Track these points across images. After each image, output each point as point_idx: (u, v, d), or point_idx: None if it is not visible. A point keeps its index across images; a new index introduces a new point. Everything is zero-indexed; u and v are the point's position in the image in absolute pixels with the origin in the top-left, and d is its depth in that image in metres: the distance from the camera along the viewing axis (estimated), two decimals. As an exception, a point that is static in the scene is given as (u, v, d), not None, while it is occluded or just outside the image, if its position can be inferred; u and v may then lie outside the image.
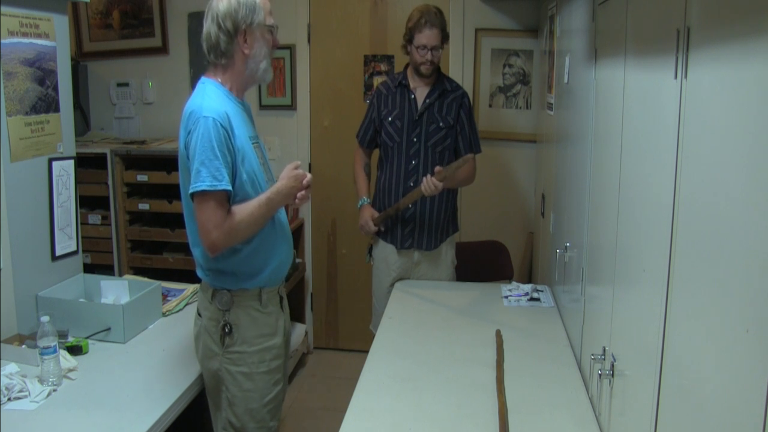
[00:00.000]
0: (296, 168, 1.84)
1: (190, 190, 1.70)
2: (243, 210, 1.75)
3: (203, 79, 1.84)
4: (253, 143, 1.86)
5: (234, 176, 1.76)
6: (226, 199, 1.73)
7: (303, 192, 1.86)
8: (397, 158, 2.75)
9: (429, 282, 2.82)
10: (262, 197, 1.78)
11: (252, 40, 1.79)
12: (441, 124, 2.73)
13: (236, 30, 1.76)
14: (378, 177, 2.87)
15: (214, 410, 1.96)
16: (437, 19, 2.65)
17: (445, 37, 2.70)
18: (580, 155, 2.06)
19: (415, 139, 2.73)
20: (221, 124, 1.70)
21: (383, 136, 2.78)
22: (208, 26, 1.78)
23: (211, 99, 1.75)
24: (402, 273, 2.81)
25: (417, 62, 2.69)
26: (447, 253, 2.86)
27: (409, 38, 2.70)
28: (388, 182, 2.78)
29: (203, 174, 1.68)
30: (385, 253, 2.82)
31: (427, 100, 2.73)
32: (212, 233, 1.71)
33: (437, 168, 2.51)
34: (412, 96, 2.75)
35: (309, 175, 1.87)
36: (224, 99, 1.79)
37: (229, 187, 1.71)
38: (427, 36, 2.64)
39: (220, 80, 1.83)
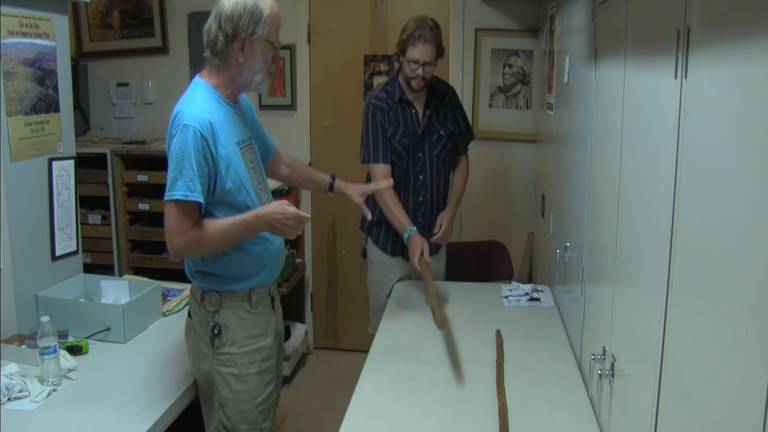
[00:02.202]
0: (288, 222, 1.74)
1: (165, 198, 1.69)
2: (214, 225, 1.72)
3: (196, 79, 1.82)
4: (242, 147, 1.83)
5: (215, 185, 1.74)
6: (196, 210, 1.71)
7: (290, 223, 1.74)
8: (405, 176, 2.66)
9: (429, 282, 2.82)
10: (238, 218, 1.74)
11: (249, 51, 1.75)
12: (442, 132, 2.69)
13: (234, 36, 1.73)
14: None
15: (207, 412, 1.95)
16: (432, 34, 2.51)
17: (440, 53, 2.57)
18: (580, 155, 2.06)
19: (420, 154, 2.66)
20: (201, 134, 1.68)
21: (391, 155, 2.64)
22: (211, 21, 1.75)
23: (196, 105, 1.72)
24: (403, 275, 2.81)
25: (408, 76, 2.57)
26: (443, 248, 2.89)
27: (402, 49, 2.57)
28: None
29: (179, 183, 1.67)
30: (382, 259, 2.76)
31: (428, 112, 2.65)
32: (174, 240, 1.70)
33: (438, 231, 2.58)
34: (414, 111, 2.64)
35: (303, 214, 1.76)
36: (212, 104, 1.76)
37: (200, 199, 1.69)
38: (420, 51, 2.51)
39: (213, 83, 1.80)
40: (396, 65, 3.62)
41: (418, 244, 2.46)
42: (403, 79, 2.62)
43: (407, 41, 2.53)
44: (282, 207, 1.74)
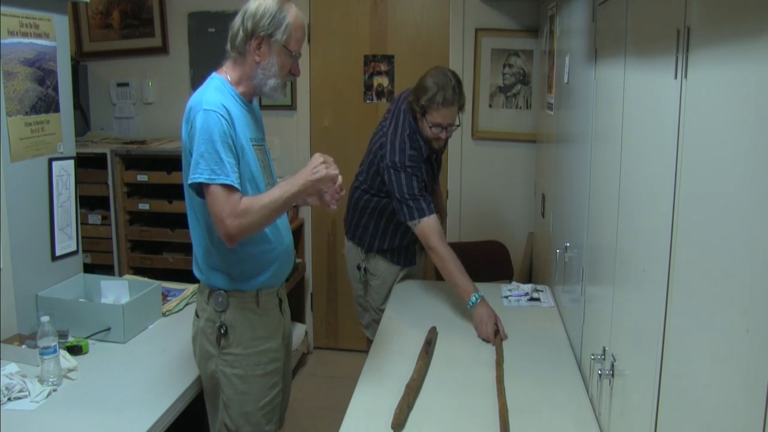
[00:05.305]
0: (322, 163, 1.72)
1: (189, 181, 1.69)
2: (257, 201, 1.70)
3: (213, 74, 1.83)
4: (254, 144, 1.84)
5: (238, 167, 1.73)
6: (233, 188, 1.68)
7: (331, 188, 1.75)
8: None
9: (429, 282, 2.82)
10: (275, 192, 1.71)
11: (266, 52, 1.76)
12: (443, 147, 2.69)
13: (253, 33, 1.75)
14: (396, 224, 2.60)
15: (212, 413, 1.94)
16: (455, 94, 2.34)
17: (461, 108, 2.41)
18: (580, 155, 2.06)
19: (434, 186, 2.64)
20: (222, 116, 1.68)
21: None
22: (237, 17, 1.78)
23: (213, 93, 1.74)
24: (403, 277, 2.80)
25: (428, 137, 2.44)
26: None
27: (422, 111, 2.39)
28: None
29: (201, 166, 1.66)
30: (390, 270, 2.73)
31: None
32: (226, 221, 1.66)
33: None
34: (434, 155, 2.59)
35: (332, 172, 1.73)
36: (227, 96, 1.77)
37: (228, 180, 1.66)
38: (443, 115, 2.35)
39: (230, 78, 1.81)
40: (397, 63, 3.65)
41: (491, 316, 2.21)
42: (423, 135, 2.47)
43: (429, 106, 2.36)
44: (311, 171, 1.71)
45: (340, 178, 1.79)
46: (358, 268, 2.73)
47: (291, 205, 1.79)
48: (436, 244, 2.36)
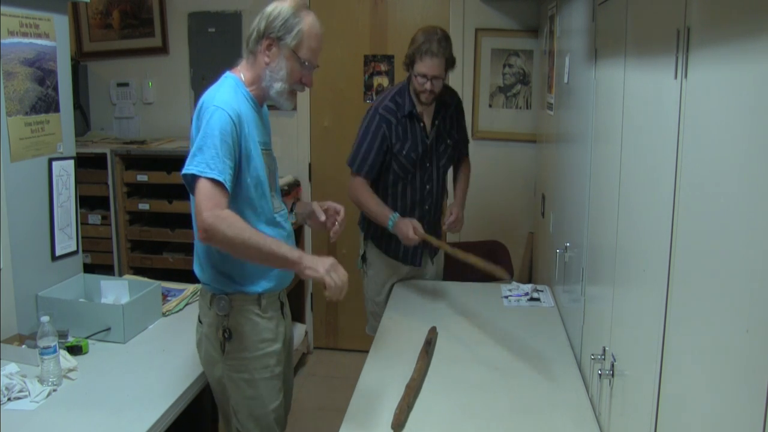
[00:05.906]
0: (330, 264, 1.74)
1: (182, 171, 1.65)
2: (247, 227, 1.66)
3: (227, 73, 1.82)
4: (263, 149, 1.82)
5: (238, 175, 1.72)
6: (224, 187, 1.65)
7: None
8: (411, 187, 2.63)
9: (429, 282, 2.82)
10: (268, 239, 1.69)
11: (275, 54, 1.76)
12: (449, 141, 2.68)
13: (264, 34, 1.75)
14: (390, 205, 2.63)
15: (224, 421, 1.92)
16: (440, 47, 2.43)
17: (449, 65, 2.51)
18: (580, 155, 2.06)
19: (428, 165, 2.64)
20: (230, 116, 1.66)
21: (395, 168, 2.59)
22: (256, 18, 1.79)
23: (226, 93, 1.73)
24: (403, 276, 2.80)
25: (416, 90, 2.52)
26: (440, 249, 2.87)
27: (410, 62, 2.52)
28: (401, 211, 2.60)
29: (197, 158, 1.63)
30: (386, 262, 2.75)
31: (436, 122, 2.62)
32: (203, 213, 1.61)
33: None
34: (422, 125, 2.59)
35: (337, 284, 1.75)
36: (240, 97, 1.76)
37: (220, 177, 1.63)
38: (427, 65, 2.44)
39: (244, 78, 1.80)
40: (397, 63, 3.66)
41: (406, 223, 2.48)
42: (413, 91, 2.56)
43: (414, 54, 2.47)
44: (319, 265, 1.71)
45: (342, 211, 1.93)
46: (359, 255, 2.79)
47: (275, 262, 1.73)
48: (358, 195, 2.57)
